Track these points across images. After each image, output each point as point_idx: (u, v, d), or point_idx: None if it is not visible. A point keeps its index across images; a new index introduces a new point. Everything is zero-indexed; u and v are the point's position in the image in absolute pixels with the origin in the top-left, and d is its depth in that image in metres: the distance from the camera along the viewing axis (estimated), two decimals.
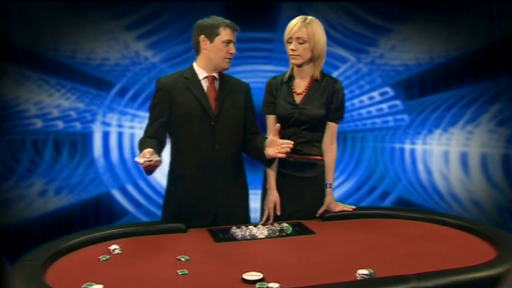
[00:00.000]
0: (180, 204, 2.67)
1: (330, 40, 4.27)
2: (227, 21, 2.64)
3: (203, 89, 2.65)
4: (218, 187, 2.64)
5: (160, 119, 2.65)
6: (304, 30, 2.63)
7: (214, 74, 2.67)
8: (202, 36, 2.62)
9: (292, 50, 2.65)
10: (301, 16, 2.68)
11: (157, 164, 2.37)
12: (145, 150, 2.39)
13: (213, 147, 2.62)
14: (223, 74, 2.71)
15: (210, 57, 2.64)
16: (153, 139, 2.61)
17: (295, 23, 2.65)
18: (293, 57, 2.67)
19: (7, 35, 3.98)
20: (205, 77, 2.66)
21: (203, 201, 2.64)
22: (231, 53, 2.64)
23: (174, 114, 2.64)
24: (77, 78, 4.18)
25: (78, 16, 4.09)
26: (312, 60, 2.68)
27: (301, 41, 2.63)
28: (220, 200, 2.65)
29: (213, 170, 2.62)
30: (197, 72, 2.67)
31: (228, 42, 2.62)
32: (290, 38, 2.66)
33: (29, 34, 4.04)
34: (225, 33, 2.61)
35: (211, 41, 2.61)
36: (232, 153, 2.69)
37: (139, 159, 2.35)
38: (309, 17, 2.68)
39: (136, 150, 2.61)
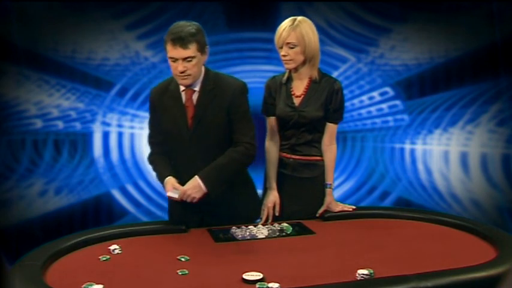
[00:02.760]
0: (172, 213, 2.68)
1: (330, 40, 4.29)
2: (174, 33, 2.34)
3: (182, 105, 2.50)
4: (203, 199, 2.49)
5: (160, 135, 2.59)
6: (293, 35, 2.58)
7: (192, 88, 2.48)
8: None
9: (284, 55, 2.62)
10: (289, 19, 2.63)
11: None
12: (170, 183, 2.44)
13: (192, 164, 2.50)
14: (209, 80, 2.49)
15: None
16: (164, 157, 2.58)
17: (283, 28, 2.61)
18: (286, 63, 2.64)
19: (7, 35, 3.98)
20: (184, 90, 2.51)
21: (189, 211, 2.55)
22: (179, 71, 2.38)
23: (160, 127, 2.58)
24: (77, 78, 4.17)
25: (78, 16, 4.09)
26: (305, 62, 2.66)
27: (291, 46, 2.60)
28: (206, 207, 2.54)
29: None
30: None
31: (173, 59, 2.38)
32: (280, 43, 2.62)
33: (29, 34, 4.04)
34: (169, 50, 2.37)
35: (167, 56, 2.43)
36: None
37: (174, 195, 2.42)
38: (298, 19, 2.63)
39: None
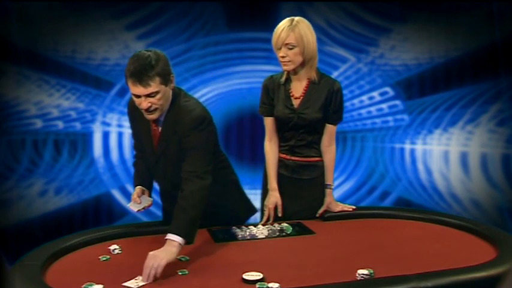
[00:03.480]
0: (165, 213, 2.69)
1: (330, 40, 4.30)
2: (130, 69, 2.13)
3: (150, 129, 2.39)
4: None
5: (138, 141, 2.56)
6: (292, 35, 2.55)
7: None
8: None
9: (282, 57, 2.59)
10: (287, 19, 2.61)
11: (150, 205, 2.45)
12: (135, 194, 2.43)
13: (161, 178, 2.52)
14: (174, 110, 2.31)
15: None
16: (143, 163, 2.55)
17: (281, 29, 2.57)
18: (284, 64, 2.61)
19: (7, 35, 3.99)
20: None
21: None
22: (144, 108, 2.20)
23: None
24: (77, 78, 4.18)
25: (78, 16, 4.09)
26: (304, 63, 2.63)
27: (290, 47, 2.56)
28: None
29: (169, 197, 2.50)
30: None
31: (135, 96, 2.19)
32: (279, 44, 2.59)
33: (29, 34, 4.05)
34: (130, 86, 2.17)
35: None
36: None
37: (133, 207, 2.41)
38: (295, 19, 2.60)
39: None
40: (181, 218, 2.19)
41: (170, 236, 2.14)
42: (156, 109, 2.22)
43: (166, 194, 2.60)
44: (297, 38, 2.56)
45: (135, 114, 2.43)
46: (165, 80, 2.20)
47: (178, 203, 2.23)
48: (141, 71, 2.12)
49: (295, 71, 2.66)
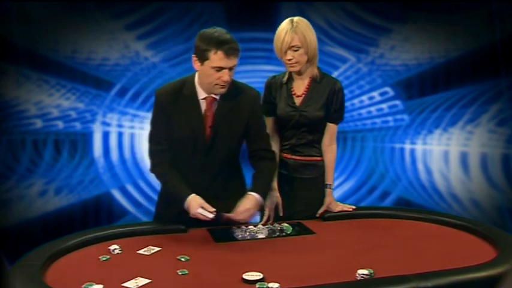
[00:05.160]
0: (166, 213, 2.61)
1: (330, 40, 4.30)
2: (224, 40, 2.22)
3: (200, 113, 2.39)
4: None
5: (168, 141, 2.44)
6: (296, 37, 2.56)
7: (213, 96, 2.39)
8: (194, 55, 2.32)
9: (289, 59, 2.60)
10: (286, 21, 2.61)
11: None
12: (200, 204, 2.34)
13: (199, 174, 2.47)
14: (229, 87, 2.36)
15: (202, 80, 2.35)
16: (174, 168, 2.45)
17: (284, 32, 2.57)
18: (292, 66, 2.62)
19: (7, 35, 3.98)
20: (204, 98, 2.40)
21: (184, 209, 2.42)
22: (224, 81, 2.28)
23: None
24: (77, 78, 4.18)
25: (78, 16, 4.09)
26: (307, 61, 2.64)
27: (295, 49, 2.58)
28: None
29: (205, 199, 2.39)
30: (197, 90, 2.39)
31: (219, 69, 2.27)
32: (285, 48, 2.58)
33: (29, 34, 4.04)
34: (215, 58, 2.24)
35: (201, 63, 2.29)
36: (225, 184, 2.48)
37: (208, 214, 2.34)
38: (295, 20, 2.61)
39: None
40: (263, 180, 2.50)
41: (254, 195, 2.43)
42: (228, 82, 2.33)
43: (198, 189, 2.44)
44: (300, 39, 2.58)
45: (175, 105, 2.38)
46: None
47: (259, 171, 2.52)
48: (235, 43, 2.26)
49: (299, 71, 2.67)
